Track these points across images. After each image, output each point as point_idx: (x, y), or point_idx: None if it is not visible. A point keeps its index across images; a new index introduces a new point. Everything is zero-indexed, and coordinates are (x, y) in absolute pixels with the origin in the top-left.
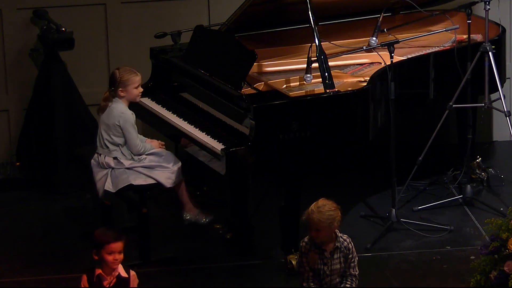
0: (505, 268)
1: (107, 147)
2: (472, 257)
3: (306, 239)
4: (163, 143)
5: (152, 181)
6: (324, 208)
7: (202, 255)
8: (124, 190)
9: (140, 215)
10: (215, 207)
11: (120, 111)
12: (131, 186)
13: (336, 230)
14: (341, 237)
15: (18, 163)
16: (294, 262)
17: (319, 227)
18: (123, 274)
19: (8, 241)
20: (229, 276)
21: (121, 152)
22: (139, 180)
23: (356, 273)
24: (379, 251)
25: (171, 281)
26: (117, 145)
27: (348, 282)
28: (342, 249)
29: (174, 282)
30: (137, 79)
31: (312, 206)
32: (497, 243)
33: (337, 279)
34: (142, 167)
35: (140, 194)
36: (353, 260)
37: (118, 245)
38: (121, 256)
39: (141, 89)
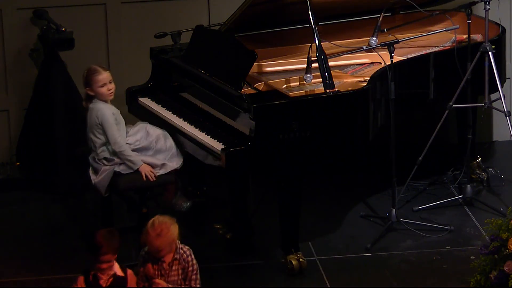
0: (505, 268)
1: (95, 148)
2: (472, 257)
3: (146, 249)
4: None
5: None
6: (162, 231)
7: (202, 255)
8: (124, 190)
9: (140, 215)
10: (215, 207)
11: (97, 110)
12: (131, 186)
13: (176, 241)
14: (182, 249)
15: (18, 163)
16: (294, 262)
17: (160, 249)
18: (119, 273)
19: (8, 241)
20: (229, 276)
21: (108, 150)
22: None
23: (197, 286)
24: (379, 251)
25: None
26: (103, 144)
27: None
28: (180, 261)
29: None
30: (100, 77)
31: (149, 230)
32: (497, 243)
33: None
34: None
35: (140, 194)
36: (194, 272)
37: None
38: (113, 257)
39: (110, 87)
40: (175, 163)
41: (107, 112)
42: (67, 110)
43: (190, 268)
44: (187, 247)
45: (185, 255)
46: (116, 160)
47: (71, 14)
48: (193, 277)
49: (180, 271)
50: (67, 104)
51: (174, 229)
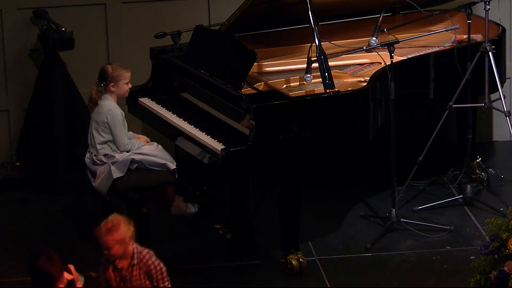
0: (505, 268)
1: (95, 145)
2: (472, 257)
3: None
4: (149, 139)
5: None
6: (113, 227)
7: (202, 255)
8: (124, 190)
9: (140, 215)
10: (215, 207)
11: (108, 108)
12: (130, 186)
13: (134, 245)
14: (140, 253)
15: (18, 163)
16: (294, 262)
17: (109, 246)
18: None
19: (8, 241)
20: (229, 276)
21: (110, 148)
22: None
23: (166, 285)
24: (379, 251)
25: (171, 281)
26: (105, 142)
27: None
28: (140, 265)
29: (174, 282)
30: (127, 75)
31: (102, 224)
32: (497, 243)
33: None
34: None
35: (140, 194)
36: (158, 273)
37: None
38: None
39: (130, 85)
40: (171, 163)
41: (118, 113)
42: (67, 110)
43: (154, 270)
44: (146, 250)
45: (144, 259)
46: (117, 157)
47: (71, 14)
48: (159, 277)
49: (142, 275)
50: (67, 104)
51: (126, 229)
